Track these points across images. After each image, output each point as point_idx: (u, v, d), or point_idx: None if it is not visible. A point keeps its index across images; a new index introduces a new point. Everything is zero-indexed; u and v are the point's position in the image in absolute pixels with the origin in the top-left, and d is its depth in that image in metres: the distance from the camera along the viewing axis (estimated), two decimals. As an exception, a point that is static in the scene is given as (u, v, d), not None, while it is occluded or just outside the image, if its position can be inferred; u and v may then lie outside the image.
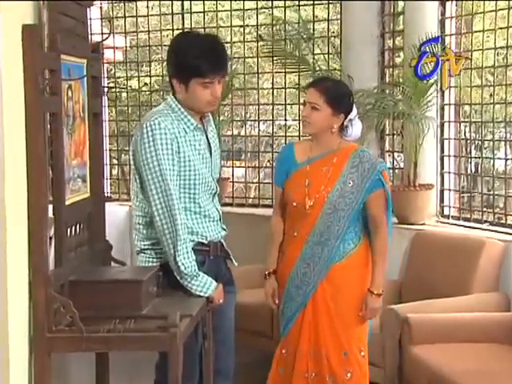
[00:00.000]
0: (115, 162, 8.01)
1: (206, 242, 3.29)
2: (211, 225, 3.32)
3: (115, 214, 6.24)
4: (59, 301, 2.72)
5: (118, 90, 7.50)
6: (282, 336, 3.87)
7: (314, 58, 6.36)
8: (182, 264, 3.14)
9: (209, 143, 3.35)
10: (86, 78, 3.13)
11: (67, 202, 2.92)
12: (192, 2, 6.88)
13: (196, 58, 3.15)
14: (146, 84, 7.48)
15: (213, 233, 3.32)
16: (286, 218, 3.83)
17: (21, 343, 2.69)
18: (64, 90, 2.91)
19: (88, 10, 6.44)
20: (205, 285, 3.18)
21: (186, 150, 3.20)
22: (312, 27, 6.55)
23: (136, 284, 2.92)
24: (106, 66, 7.41)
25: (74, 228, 3.03)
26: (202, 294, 3.17)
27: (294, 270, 3.76)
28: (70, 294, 2.85)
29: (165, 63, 5.29)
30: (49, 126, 2.79)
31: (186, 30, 4.79)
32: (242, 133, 7.63)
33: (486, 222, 5.56)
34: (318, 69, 6.23)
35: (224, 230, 3.41)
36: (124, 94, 7.69)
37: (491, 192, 6.02)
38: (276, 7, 6.71)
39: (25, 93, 2.64)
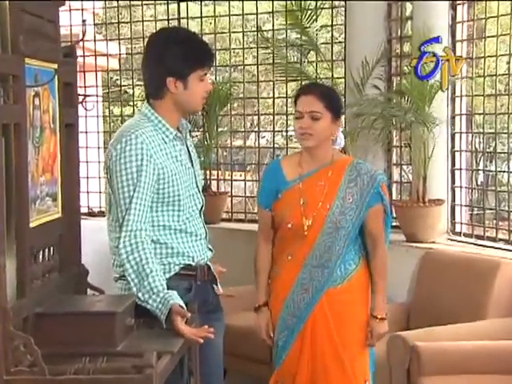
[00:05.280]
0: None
1: (193, 263, 3.01)
2: (197, 244, 3.05)
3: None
4: (19, 338, 2.40)
5: (112, 100, 7.24)
6: (277, 366, 3.56)
7: (316, 66, 6.12)
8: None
9: (189, 153, 3.10)
10: (56, 85, 2.83)
11: (33, 224, 2.62)
12: (189, 6, 6.60)
13: (197, 46, 2.99)
14: (126, 92, 7.21)
15: (199, 253, 3.05)
16: (274, 242, 3.55)
17: (-26, 387, 2.39)
18: (29, 97, 2.62)
19: (81, 12, 6.35)
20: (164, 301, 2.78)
21: (168, 163, 2.95)
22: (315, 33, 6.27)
23: (109, 316, 2.61)
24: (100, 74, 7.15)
25: (41, 253, 2.73)
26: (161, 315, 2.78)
27: (290, 296, 3.48)
28: (34, 329, 2.55)
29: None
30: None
31: (162, 27, 4.60)
32: (247, 143, 7.37)
33: (500, 240, 5.28)
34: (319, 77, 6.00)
35: (210, 250, 3.15)
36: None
37: (504, 206, 5.73)
38: (277, 11, 6.44)
39: (-19, 101, 2.36)
